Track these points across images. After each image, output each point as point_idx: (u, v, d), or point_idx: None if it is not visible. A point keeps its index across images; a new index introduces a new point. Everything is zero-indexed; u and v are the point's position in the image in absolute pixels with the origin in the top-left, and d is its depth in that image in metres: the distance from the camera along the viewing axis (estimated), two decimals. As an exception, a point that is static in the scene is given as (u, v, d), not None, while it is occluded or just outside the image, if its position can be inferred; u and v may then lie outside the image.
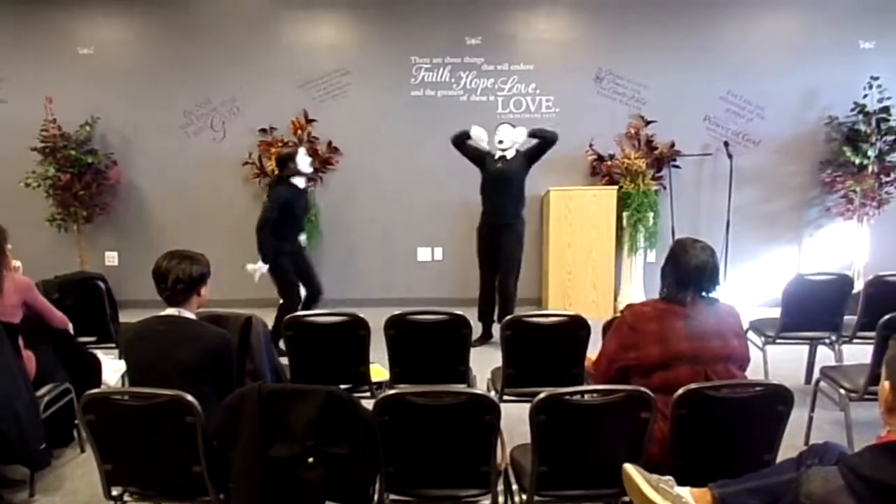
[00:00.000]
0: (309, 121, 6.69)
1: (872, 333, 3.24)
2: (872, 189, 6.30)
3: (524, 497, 2.30)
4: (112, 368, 3.71)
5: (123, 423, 2.27)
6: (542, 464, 2.21)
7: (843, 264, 6.36)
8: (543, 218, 6.65)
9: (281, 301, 5.06)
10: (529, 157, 5.26)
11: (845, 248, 6.64)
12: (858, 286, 4.21)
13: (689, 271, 2.49)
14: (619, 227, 6.44)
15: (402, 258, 6.94)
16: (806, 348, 4.41)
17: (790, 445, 2.39)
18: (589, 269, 6.34)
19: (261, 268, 4.85)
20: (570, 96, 6.68)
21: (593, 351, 2.90)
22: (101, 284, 4.16)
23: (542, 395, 2.14)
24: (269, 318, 3.75)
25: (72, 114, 6.50)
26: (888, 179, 6.30)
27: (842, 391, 3.28)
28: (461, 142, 5.25)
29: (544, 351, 3.19)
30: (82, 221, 6.63)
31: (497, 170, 5.23)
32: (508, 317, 3.28)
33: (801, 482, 1.45)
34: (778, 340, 4.15)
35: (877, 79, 6.17)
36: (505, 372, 3.24)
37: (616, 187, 6.41)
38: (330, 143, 6.73)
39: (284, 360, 3.29)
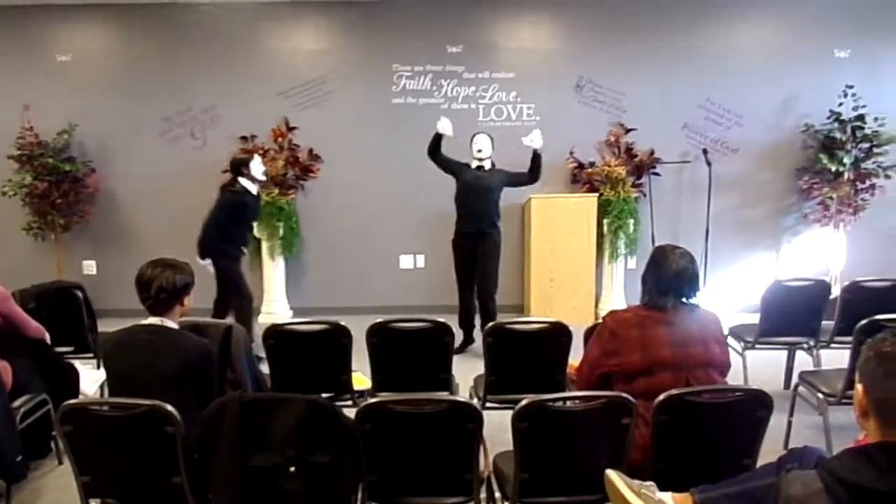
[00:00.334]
0: (290, 128, 6.67)
1: (850, 338, 3.27)
2: (848, 196, 6.38)
3: (507, 504, 2.29)
4: (90, 378, 3.66)
5: (102, 433, 2.24)
6: (524, 471, 2.21)
7: (820, 270, 6.44)
8: (525, 225, 6.67)
9: (234, 307, 5.11)
10: (509, 180, 5.28)
11: (822, 254, 6.72)
12: (835, 292, 4.25)
13: (669, 277, 2.51)
14: (600, 234, 6.48)
15: (385, 266, 6.92)
16: (784, 353, 4.45)
17: (770, 450, 2.41)
18: (570, 276, 6.36)
19: (209, 265, 4.91)
20: (551, 104, 6.72)
21: (575, 357, 2.91)
22: (79, 294, 4.10)
23: (524, 402, 2.14)
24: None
25: (50, 121, 6.44)
26: (863, 186, 6.38)
27: (820, 395, 3.31)
28: (436, 148, 5.21)
29: (526, 358, 3.20)
30: (60, 230, 6.55)
31: (475, 177, 5.22)
32: (491, 324, 3.27)
33: (780, 486, 1.46)
34: (757, 346, 4.18)
35: (852, 87, 6.26)
36: (487, 379, 3.24)
37: (597, 195, 6.44)
38: (311, 151, 6.72)
39: (265, 369, 3.27)
